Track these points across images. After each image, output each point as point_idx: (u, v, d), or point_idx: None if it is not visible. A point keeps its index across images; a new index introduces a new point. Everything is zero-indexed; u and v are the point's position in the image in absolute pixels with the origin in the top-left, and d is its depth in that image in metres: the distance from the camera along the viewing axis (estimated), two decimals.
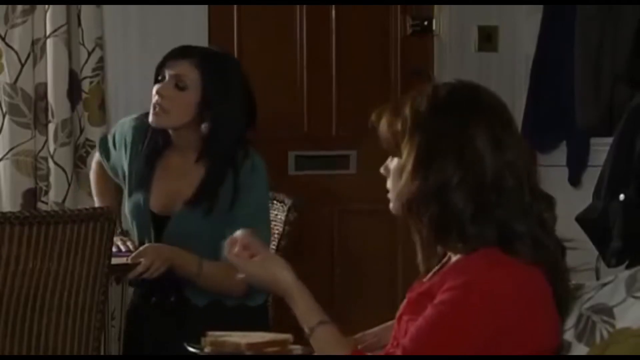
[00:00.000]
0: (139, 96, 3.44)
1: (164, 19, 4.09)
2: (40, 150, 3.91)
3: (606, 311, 1.91)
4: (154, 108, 3.10)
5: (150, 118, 3.12)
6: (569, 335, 1.94)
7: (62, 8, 3.86)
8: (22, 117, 3.88)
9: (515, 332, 1.87)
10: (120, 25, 4.02)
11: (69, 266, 2.88)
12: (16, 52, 3.86)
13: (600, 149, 4.06)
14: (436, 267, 2.00)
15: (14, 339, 2.85)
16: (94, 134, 3.96)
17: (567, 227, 2.08)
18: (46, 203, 3.91)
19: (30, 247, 2.83)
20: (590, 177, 4.06)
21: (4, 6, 3.86)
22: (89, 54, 3.95)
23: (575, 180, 4.40)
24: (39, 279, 2.86)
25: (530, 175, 1.94)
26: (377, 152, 2.08)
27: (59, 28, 3.86)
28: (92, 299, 2.92)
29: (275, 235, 3.39)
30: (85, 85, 3.96)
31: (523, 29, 4.68)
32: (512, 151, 1.92)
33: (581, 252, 2.05)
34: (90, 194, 3.94)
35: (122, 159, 3.26)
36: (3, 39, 3.86)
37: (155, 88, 3.12)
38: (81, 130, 3.97)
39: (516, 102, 4.49)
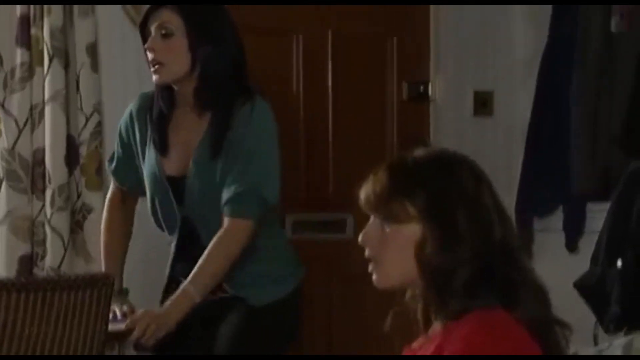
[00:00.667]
0: None
1: None
2: (37, 216, 3.91)
3: None
4: (152, 66, 3.09)
5: (153, 78, 3.11)
6: None
7: (61, 73, 3.89)
8: (19, 183, 3.88)
9: None
10: (119, 90, 4.04)
11: (65, 331, 2.87)
12: (14, 118, 3.87)
13: (598, 215, 4.05)
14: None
15: None
16: (91, 198, 3.96)
17: (564, 293, 2.08)
18: (42, 268, 3.90)
19: (27, 313, 2.82)
20: (588, 243, 4.05)
21: (3, 72, 3.88)
22: (87, 119, 3.96)
23: (572, 245, 4.39)
24: (35, 343, 2.85)
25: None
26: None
27: (57, 94, 3.88)
28: None
29: None
30: (83, 150, 3.97)
31: (519, 94, 4.71)
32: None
33: (579, 318, 2.04)
34: (86, 259, 3.95)
35: (132, 146, 3.23)
36: (2, 105, 3.88)
37: (145, 46, 3.10)
38: (78, 195, 3.98)
39: (512, 166, 4.51)
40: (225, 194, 3.05)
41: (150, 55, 3.09)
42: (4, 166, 3.88)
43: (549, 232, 4.41)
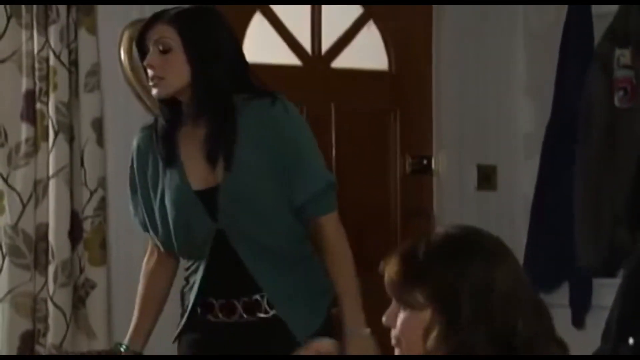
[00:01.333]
0: (141, 235, 3.41)
1: None
2: (39, 292, 3.87)
3: None
4: (152, 82, 3.02)
5: (152, 92, 3.03)
6: None
7: (65, 148, 3.87)
8: (22, 259, 3.84)
9: None
10: (124, 164, 4.01)
11: None
12: (18, 194, 3.85)
13: (604, 290, 4.02)
14: None
15: None
16: (94, 274, 3.93)
17: None
18: (44, 345, 3.85)
19: None
20: (595, 318, 4.02)
21: (7, 148, 3.87)
22: (92, 194, 3.94)
23: (579, 321, 4.35)
24: None
25: None
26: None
27: (62, 169, 3.87)
28: None
29: None
30: (87, 225, 3.94)
31: (522, 169, 4.71)
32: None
33: None
34: (89, 335, 3.91)
35: (148, 179, 3.12)
36: (5, 181, 3.86)
37: (144, 63, 3.04)
38: (81, 271, 3.94)
39: (516, 241, 4.49)
40: (300, 196, 3.01)
41: (150, 72, 3.03)
42: (7, 242, 3.84)
43: (555, 308, 4.33)
